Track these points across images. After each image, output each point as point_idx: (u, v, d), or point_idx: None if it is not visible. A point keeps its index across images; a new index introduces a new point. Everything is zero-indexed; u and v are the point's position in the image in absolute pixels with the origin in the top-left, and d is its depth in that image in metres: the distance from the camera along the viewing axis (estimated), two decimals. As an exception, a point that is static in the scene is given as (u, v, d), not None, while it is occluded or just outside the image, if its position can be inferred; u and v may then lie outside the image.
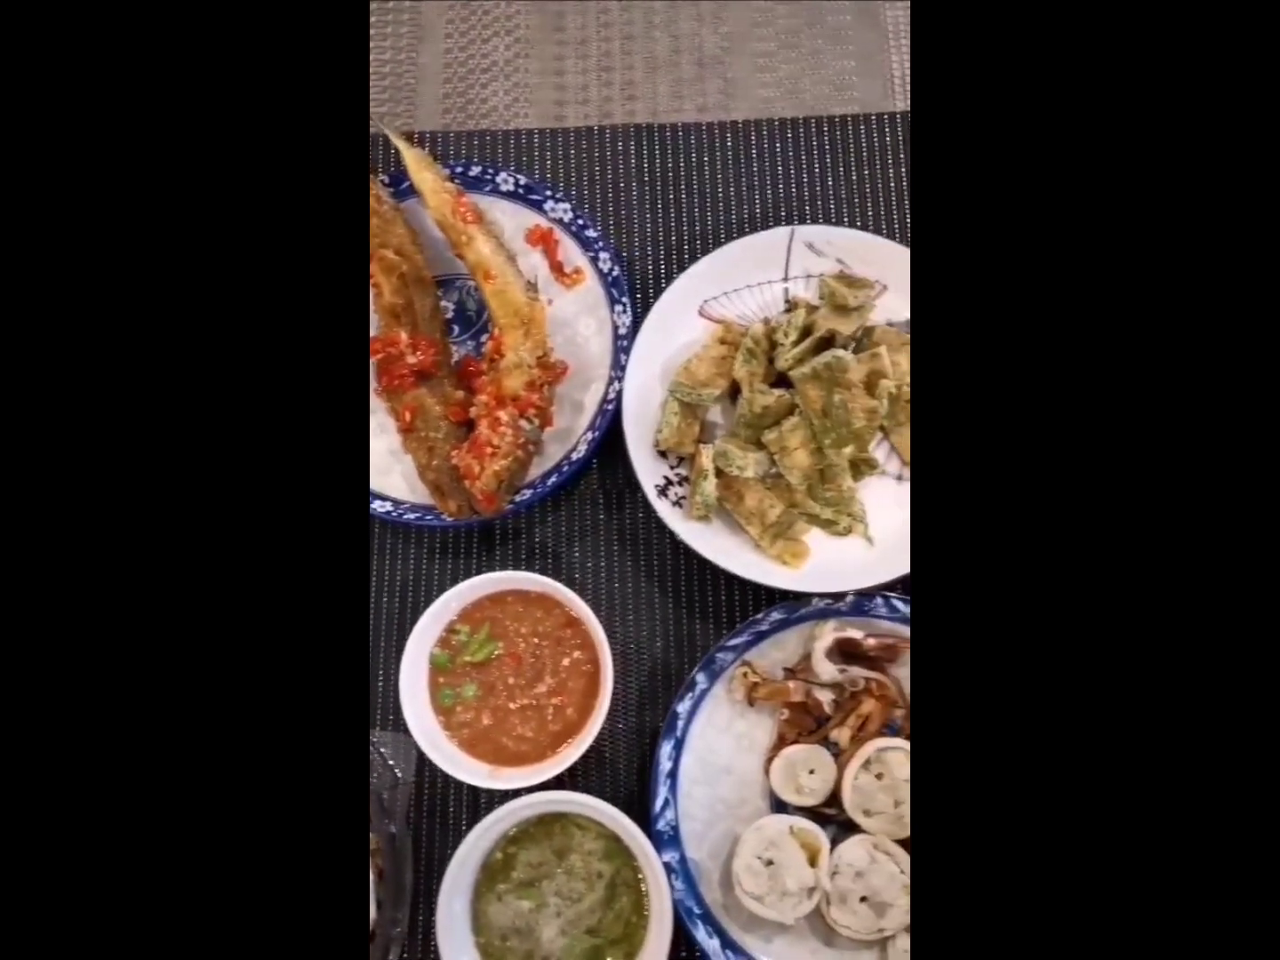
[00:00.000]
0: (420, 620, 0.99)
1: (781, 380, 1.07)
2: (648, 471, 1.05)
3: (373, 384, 1.08)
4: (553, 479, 1.06)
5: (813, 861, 0.95)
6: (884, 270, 1.10)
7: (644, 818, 0.97)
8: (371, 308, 1.10)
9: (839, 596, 1.01)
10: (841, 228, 1.13)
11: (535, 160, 1.20)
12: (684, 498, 1.06)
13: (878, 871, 0.94)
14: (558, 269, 1.14)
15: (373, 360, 1.07)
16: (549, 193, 1.13)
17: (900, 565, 1.02)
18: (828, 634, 1.00)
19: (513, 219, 1.15)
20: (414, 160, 1.10)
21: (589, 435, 1.07)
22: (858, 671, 1.00)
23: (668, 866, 0.95)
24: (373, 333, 1.10)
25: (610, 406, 1.06)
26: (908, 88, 1.23)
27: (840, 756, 0.99)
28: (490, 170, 1.13)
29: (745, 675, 1.01)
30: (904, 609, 1.01)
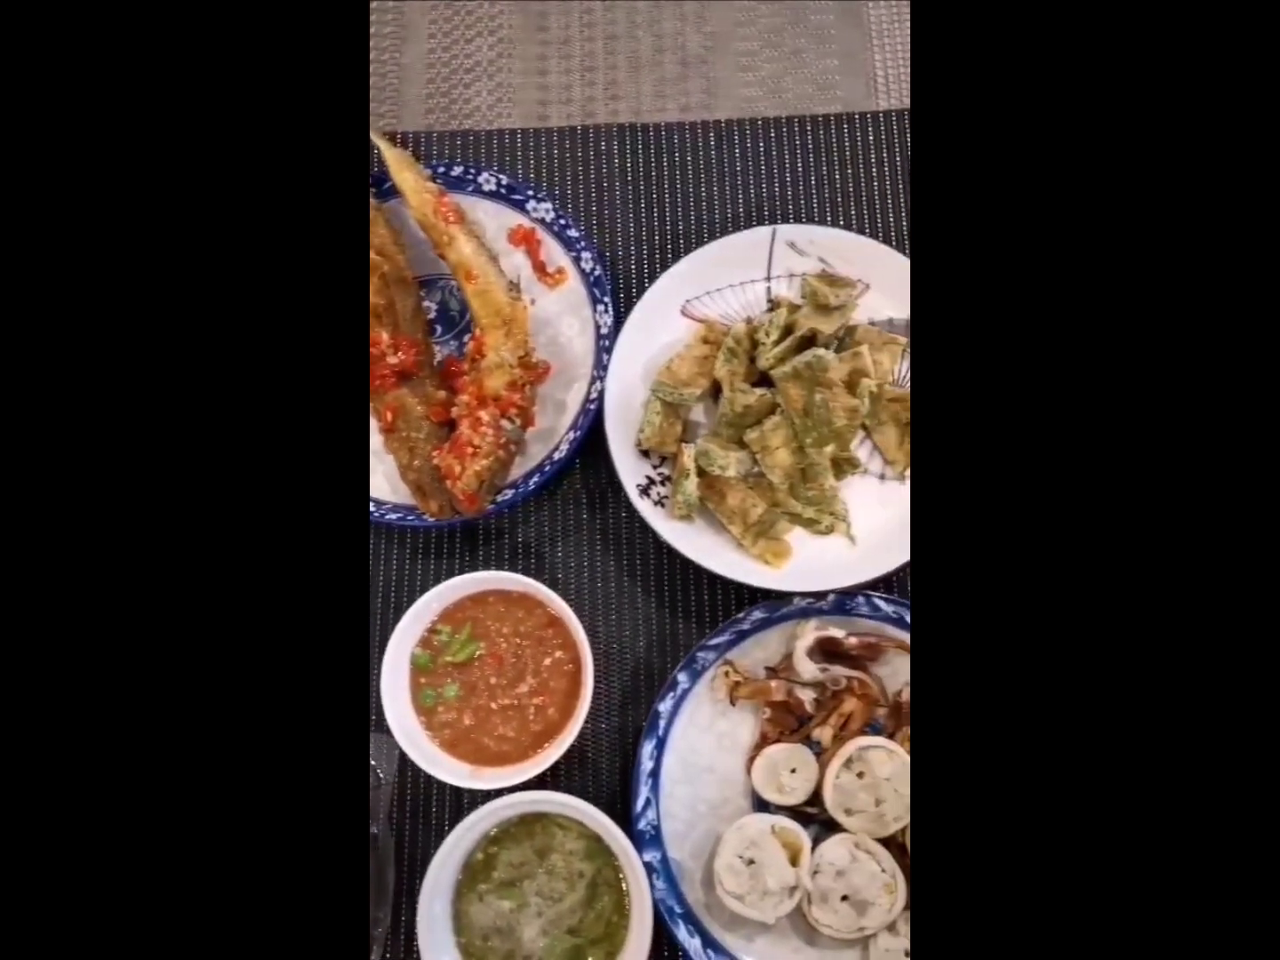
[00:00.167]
0: (401, 621, 0.99)
1: (763, 380, 1.07)
2: (630, 471, 1.05)
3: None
4: (535, 479, 1.06)
5: (794, 861, 0.95)
6: (866, 269, 1.10)
7: (626, 817, 0.97)
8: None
9: (820, 595, 1.01)
10: (823, 227, 1.13)
11: (518, 160, 1.20)
12: (666, 497, 1.06)
13: (859, 870, 0.94)
14: (540, 269, 1.14)
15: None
16: (531, 192, 1.13)
17: (882, 564, 1.02)
18: (809, 633, 1.00)
19: (495, 219, 1.15)
20: (395, 160, 1.10)
21: (571, 435, 1.07)
22: (839, 670, 1.00)
23: (649, 866, 0.96)
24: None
25: (593, 406, 1.06)
26: (890, 87, 1.23)
27: (822, 755, 0.99)
28: (472, 170, 1.13)
29: (727, 674, 1.02)
30: (886, 608, 1.01)
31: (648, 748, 0.99)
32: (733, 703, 1.02)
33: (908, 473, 1.07)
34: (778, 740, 1.01)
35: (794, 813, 0.98)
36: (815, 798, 0.98)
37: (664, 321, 1.11)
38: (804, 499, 1.05)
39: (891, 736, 0.99)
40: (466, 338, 1.10)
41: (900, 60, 1.24)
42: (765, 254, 1.11)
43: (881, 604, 1.01)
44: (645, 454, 1.08)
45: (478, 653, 1.00)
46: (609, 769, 1.04)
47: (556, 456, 1.06)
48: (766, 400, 1.04)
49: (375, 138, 1.13)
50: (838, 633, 1.00)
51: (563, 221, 1.12)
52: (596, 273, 1.11)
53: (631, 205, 1.18)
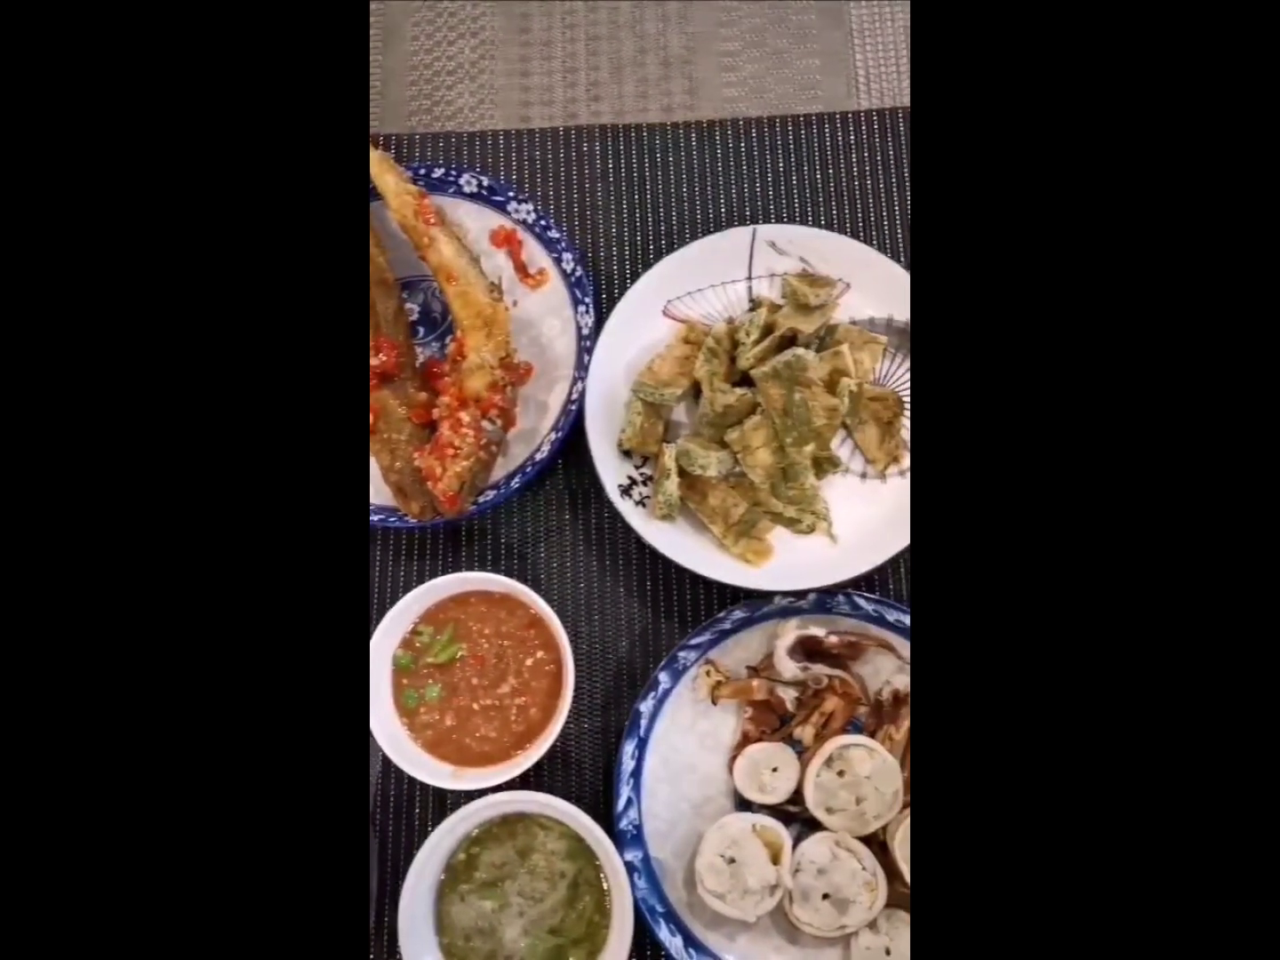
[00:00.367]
0: (382, 622, 0.99)
1: (744, 379, 1.07)
2: (611, 471, 1.05)
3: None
4: (517, 480, 1.06)
5: (775, 859, 0.95)
6: (847, 269, 1.10)
7: (608, 817, 0.97)
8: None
9: (801, 594, 1.02)
10: (803, 226, 1.13)
11: (501, 162, 1.20)
12: (648, 497, 1.06)
13: (839, 868, 0.94)
14: (522, 270, 1.14)
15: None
16: (512, 194, 1.13)
17: (863, 563, 1.02)
18: (790, 632, 1.00)
19: (477, 220, 1.15)
20: (376, 162, 1.10)
21: (553, 436, 1.07)
22: (820, 669, 1.01)
23: (631, 865, 0.96)
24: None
25: (574, 407, 1.07)
26: (871, 86, 1.23)
27: (804, 754, 1.00)
28: (454, 172, 1.13)
29: (708, 674, 1.02)
30: (866, 606, 1.02)
31: (629, 747, 0.99)
32: (714, 702, 1.02)
33: (889, 471, 1.08)
34: (759, 739, 1.01)
35: (776, 811, 0.99)
36: (797, 796, 0.98)
37: (646, 322, 1.11)
38: (785, 498, 1.05)
39: (873, 735, 0.99)
40: (448, 339, 1.11)
41: (881, 60, 1.24)
42: (746, 254, 1.12)
43: (862, 602, 1.01)
44: (627, 454, 1.08)
45: (460, 654, 1.00)
46: (592, 769, 1.04)
47: (538, 457, 1.07)
48: (747, 400, 1.05)
49: (356, 140, 1.13)
50: (819, 631, 1.01)
51: (544, 223, 1.12)
52: (578, 274, 1.11)
53: (614, 206, 1.19)
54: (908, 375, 1.10)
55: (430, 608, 1.02)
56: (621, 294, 1.10)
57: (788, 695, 1.02)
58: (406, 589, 1.01)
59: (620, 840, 0.96)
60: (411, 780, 1.00)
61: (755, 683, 1.01)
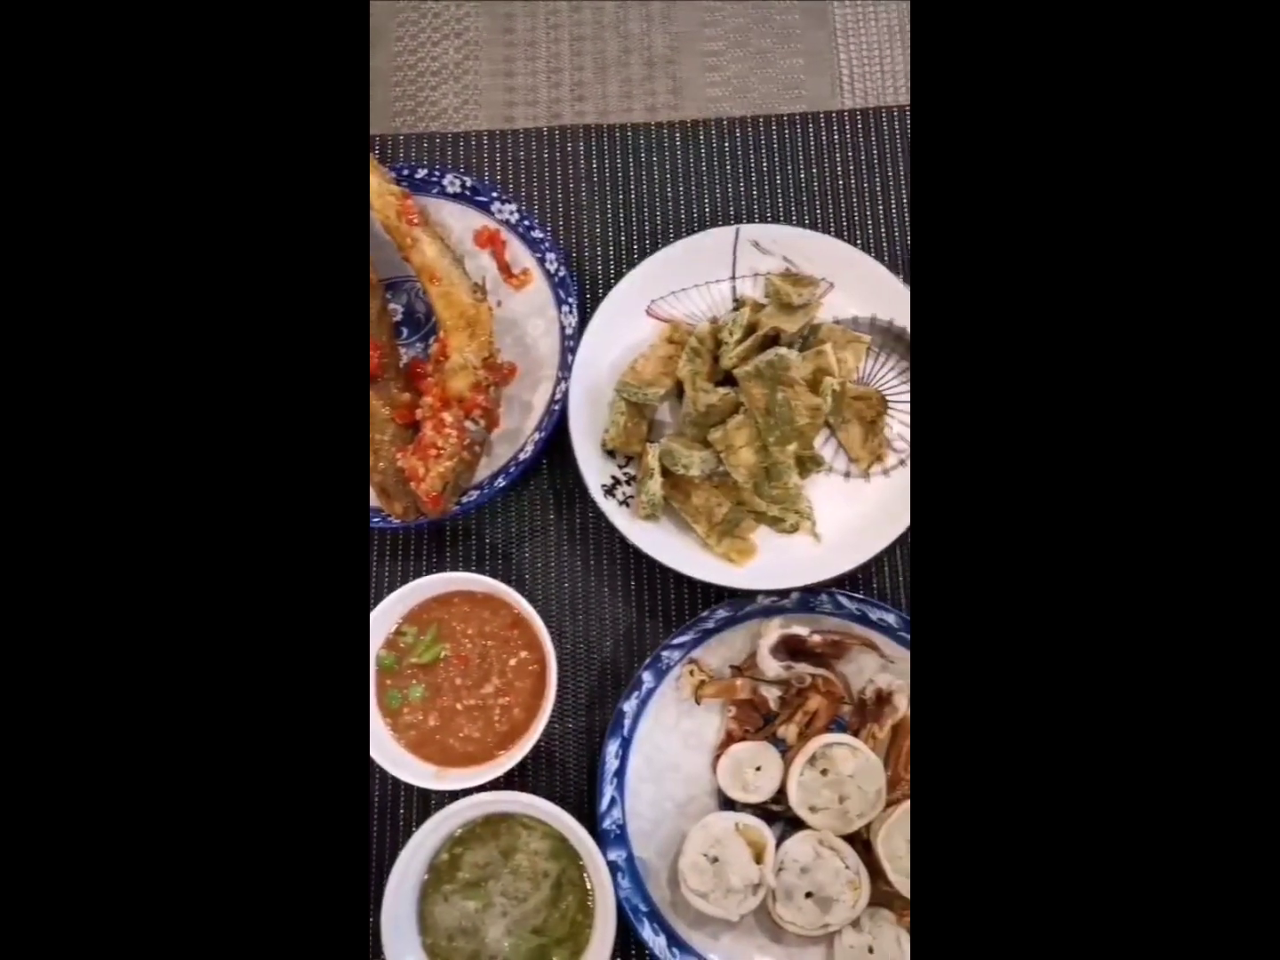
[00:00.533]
0: (365, 622, 0.99)
1: (727, 379, 1.07)
2: (594, 471, 1.05)
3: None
4: (500, 480, 1.06)
5: (758, 858, 0.95)
6: (830, 268, 1.11)
7: (592, 817, 0.97)
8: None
9: (784, 594, 1.02)
10: (786, 226, 1.13)
11: (485, 162, 1.20)
12: (631, 497, 1.06)
13: (823, 867, 0.94)
14: (506, 270, 1.14)
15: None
16: (496, 194, 1.13)
17: (846, 562, 1.02)
18: (773, 631, 1.00)
19: (461, 221, 1.15)
20: (360, 163, 1.10)
21: (537, 436, 1.07)
22: (804, 668, 1.01)
23: (614, 865, 0.96)
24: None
25: (558, 407, 1.07)
26: (855, 86, 1.23)
27: (787, 753, 1.00)
28: (437, 172, 1.13)
29: (692, 673, 1.02)
30: (849, 605, 1.02)
31: (612, 747, 0.99)
32: (698, 701, 1.02)
33: (872, 470, 1.08)
34: (743, 738, 1.01)
35: (759, 810, 0.99)
36: (780, 795, 0.98)
37: (629, 322, 1.11)
38: (768, 497, 1.05)
39: (856, 734, 0.99)
40: (432, 340, 1.11)
41: (865, 59, 1.24)
42: (729, 253, 1.12)
43: (846, 601, 1.02)
44: (611, 454, 1.08)
45: (443, 654, 1.00)
46: (576, 768, 1.04)
47: (522, 457, 1.07)
48: (730, 399, 1.05)
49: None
50: (802, 630, 1.01)
51: (527, 223, 1.12)
52: (561, 274, 1.11)
53: (598, 206, 1.19)
54: (891, 374, 1.10)
55: (414, 608, 1.02)
56: (606, 294, 1.10)
57: (771, 694, 1.02)
58: (390, 589, 1.01)
59: (604, 840, 0.97)
60: (395, 780, 1.00)
61: (739, 682, 1.02)
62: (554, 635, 0.99)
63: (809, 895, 0.94)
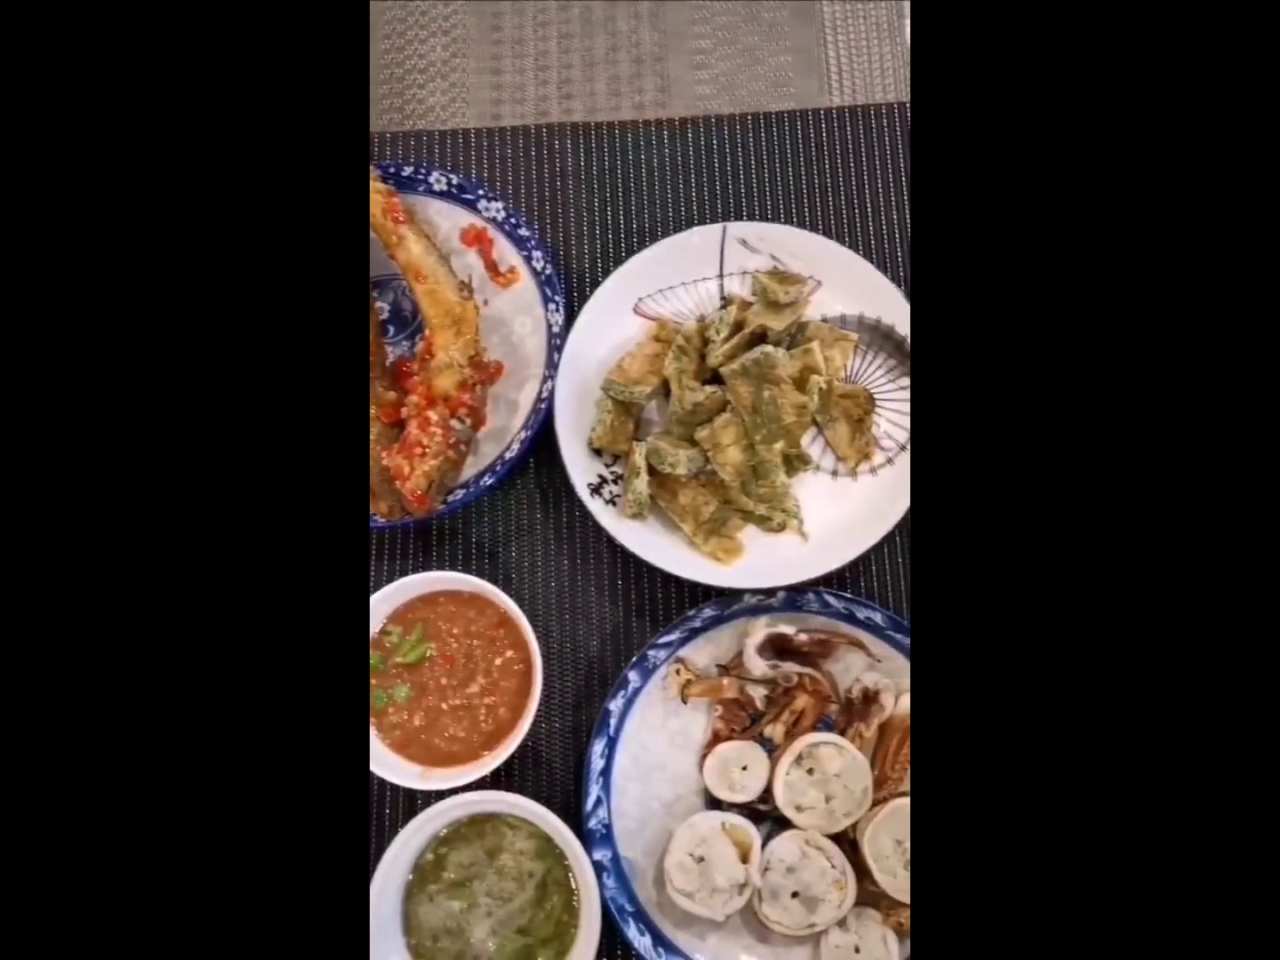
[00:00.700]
0: (350, 622, 0.98)
1: (714, 378, 1.07)
2: (581, 470, 1.05)
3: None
4: (487, 479, 1.06)
5: (744, 858, 0.95)
6: (817, 266, 1.10)
7: (578, 816, 0.97)
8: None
9: (771, 592, 1.01)
10: (774, 224, 1.12)
11: (473, 160, 1.20)
12: (618, 496, 1.06)
13: (809, 867, 0.94)
14: (493, 268, 1.13)
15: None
16: (482, 192, 1.13)
17: (833, 560, 1.02)
18: (759, 630, 1.00)
19: (448, 219, 1.14)
20: (345, 161, 1.10)
21: (523, 434, 1.07)
22: (790, 667, 1.00)
23: (600, 865, 0.95)
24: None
25: (544, 405, 1.06)
26: (843, 83, 1.23)
27: (774, 752, 0.99)
28: (423, 170, 1.13)
29: (678, 672, 1.01)
30: (836, 604, 1.01)
31: (598, 746, 0.99)
32: (684, 700, 1.02)
33: (860, 469, 1.07)
34: (729, 737, 1.01)
35: (746, 810, 0.98)
36: (767, 795, 0.98)
37: (617, 320, 1.11)
38: (755, 496, 1.05)
39: (843, 733, 0.99)
40: (418, 338, 1.10)
41: (853, 57, 1.24)
42: (717, 251, 1.11)
43: (832, 600, 1.01)
44: (597, 453, 1.07)
45: (428, 653, 1.00)
46: (562, 768, 1.04)
47: (508, 456, 1.06)
48: (717, 398, 1.04)
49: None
50: (788, 629, 1.00)
51: (514, 221, 1.12)
52: (548, 272, 1.11)
53: (585, 204, 1.18)
54: (879, 372, 1.10)
55: (399, 607, 1.01)
56: (593, 292, 1.10)
57: (758, 693, 1.02)
58: (375, 589, 1.01)
59: (590, 839, 0.96)
60: (380, 780, 1.00)
61: (725, 681, 1.01)
62: (540, 634, 0.99)
63: (795, 895, 0.94)
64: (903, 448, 1.07)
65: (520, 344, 1.12)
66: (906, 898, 0.93)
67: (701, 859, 0.94)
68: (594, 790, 0.98)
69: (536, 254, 1.12)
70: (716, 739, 1.01)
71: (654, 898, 0.98)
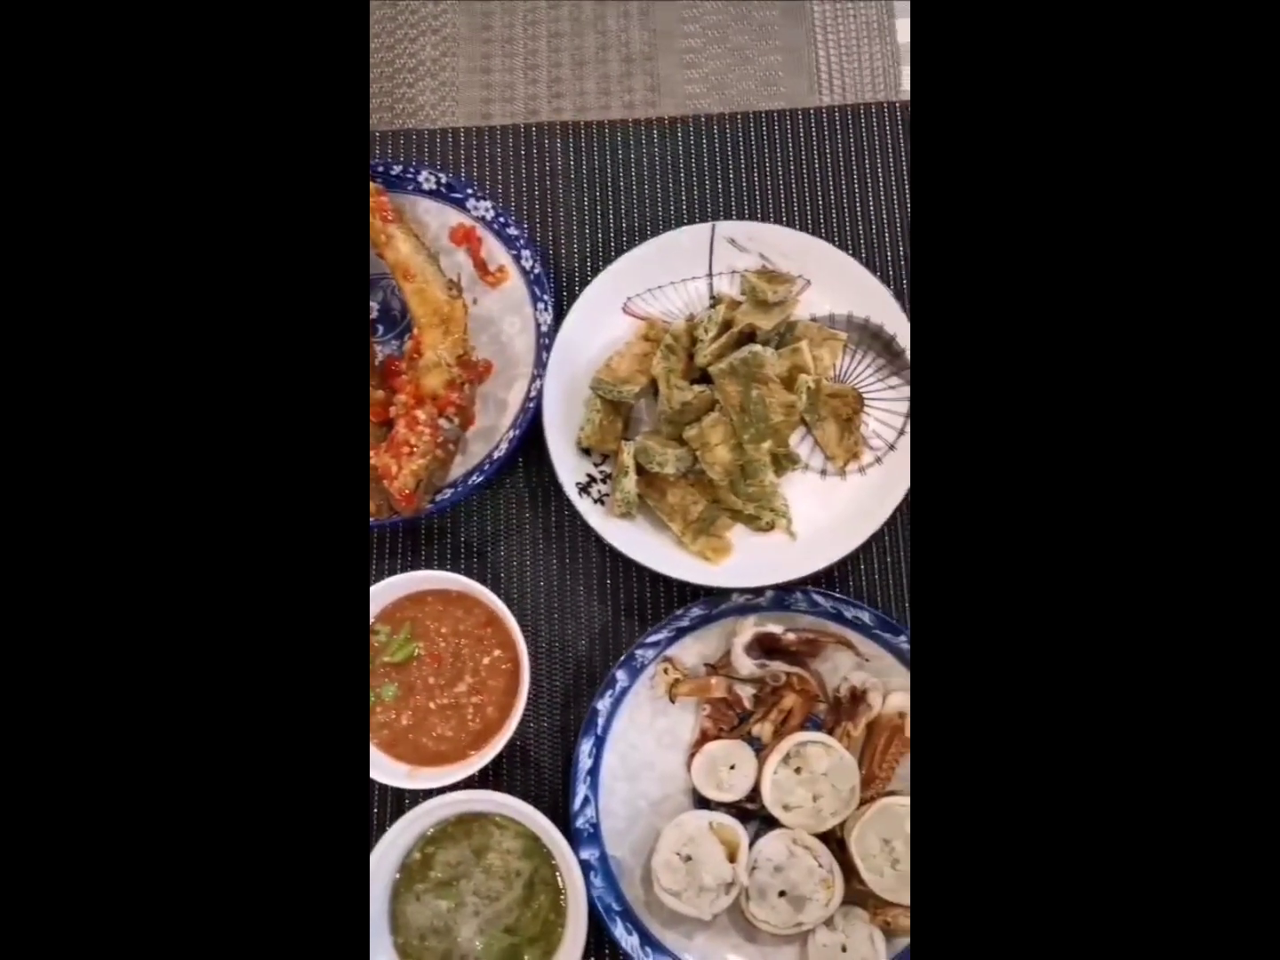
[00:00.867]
0: (337, 621, 0.98)
1: (703, 377, 1.07)
2: (569, 469, 1.05)
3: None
4: (475, 478, 1.06)
5: (731, 857, 0.95)
6: (806, 265, 1.10)
7: (566, 815, 0.97)
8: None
9: (759, 592, 1.01)
10: (763, 223, 1.12)
11: (462, 159, 1.20)
12: (607, 495, 1.06)
13: (796, 866, 0.94)
14: (481, 267, 1.13)
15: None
16: (471, 191, 1.13)
17: (822, 560, 1.02)
18: (747, 629, 1.00)
19: (437, 218, 1.14)
20: (334, 160, 1.10)
21: (512, 434, 1.07)
22: (778, 666, 1.00)
23: (587, 864, 0.95)
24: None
25: (533, 404, 1.06)
26: (833, 82, 1.23)
27: (762, 751, 0.99)
28: (412, 169, 1.13)
29: (666, 671, 1.01)
30: (825, 603, 1.01)
31: (585, 746, 0.99)
32: (672, 700, 1.02)
33: (848, 468, 1.07)
34: (717, 737, 1.01)
35: (734, 809, 0.98)
36: (755, 794, 0.98)
37: (606, 319, 1.10)
38: (744, 495, 1.05)
39: (831, 732, 0.99)
40: (407, 337, 1.10)
41: (843, 56, 1.24)
42: (706, 251, 1.11)
43: (820, 599, 1.01)
44: (586, 452, 1.07)
45: (416, 652, 1.00)
46: (551, 767, 1.04)
47: (497, 455, 1.06)
48: (705, 397, 1.04)
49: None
50: (776, 629, 1.00)
51: (502, 220, 1.12)
52: (536, 271, 1.11)
53: (575, 203, 1.18)
54: (868, 372, 1.10)
55: (387, 607, 1.01)
56: (582, 291, 1.10)
57: (746, 692, 1.02)
58: (364, 588, 1.01)
59: (577, 838, 0.96)
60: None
61: (714, 680, 1.01)
62: (528, 633, 0.99)
63: (782, 894, 0.94)
64: (891, 447, 1.07)
65: (509, 343, 1.12)
66: (893, 897, 0.93)
67: (689, 858, 0.94)
68: (582, 789, 0.98)
69: (525, 253, 1.11)
70: (704, 738, 1.01)
71: (641, 897, 0.98)
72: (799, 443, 1.08)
